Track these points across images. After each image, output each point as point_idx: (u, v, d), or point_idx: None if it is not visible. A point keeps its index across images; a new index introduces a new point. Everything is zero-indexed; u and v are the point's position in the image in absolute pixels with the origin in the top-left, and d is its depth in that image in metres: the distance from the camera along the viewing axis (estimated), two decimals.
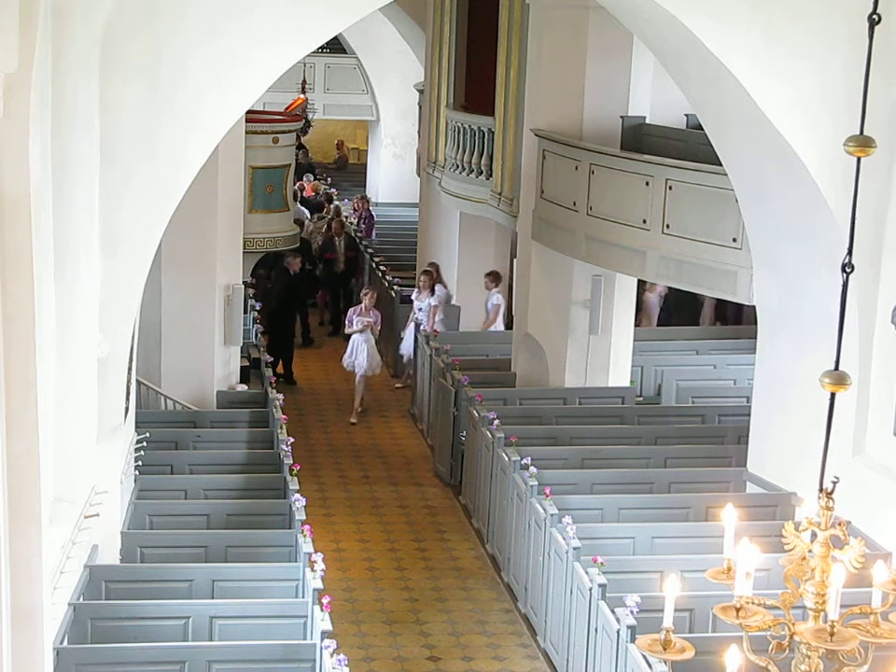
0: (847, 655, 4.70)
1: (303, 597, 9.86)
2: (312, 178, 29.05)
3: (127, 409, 10.93)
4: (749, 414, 12.74)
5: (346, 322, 18.78)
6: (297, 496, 11.41)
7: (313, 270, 22.93)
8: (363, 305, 18.46)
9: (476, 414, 14.17)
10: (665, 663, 4.69)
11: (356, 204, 26.22)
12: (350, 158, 36.96)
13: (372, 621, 12.00)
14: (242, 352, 16.45)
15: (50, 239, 8.55)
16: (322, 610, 9.23)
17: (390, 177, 29.84)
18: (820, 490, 4.82)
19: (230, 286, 15.56)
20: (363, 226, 25.44)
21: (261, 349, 16.79)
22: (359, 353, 18.22)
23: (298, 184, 27.07)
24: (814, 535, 4.83)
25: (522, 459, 12.41)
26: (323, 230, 24.00)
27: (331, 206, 25.95)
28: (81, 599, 9.60)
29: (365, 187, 30.81)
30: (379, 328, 18.65)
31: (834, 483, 4.83)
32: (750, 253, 12.20)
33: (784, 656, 4.83)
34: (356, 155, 36.52)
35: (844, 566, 4.70)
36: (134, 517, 11.36)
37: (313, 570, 9.84)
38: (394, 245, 24.89)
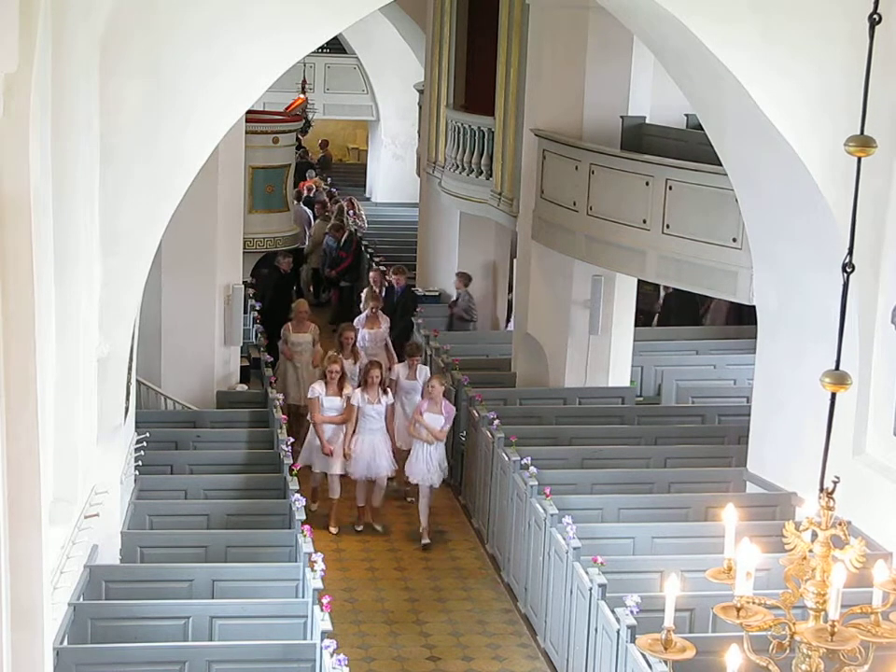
0: (847, 655, 4.70)
1: (303, 597, 9.85)
2: (313, 175, 29.08)
3: (127, 409, 10.92)
4: (749, 414, 12.74)
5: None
6: (297, 496, 11.41)
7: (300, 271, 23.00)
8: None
9: (476, 414, 14.16)
10: (666, 663, 4.69)
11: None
12: (350, 158, 36.96)
13: (372, 621, 11.99)
14: (242, 352, 16.44)
15: (50, 239, 8.55)
16: (322, 610, 9.23)
17: (390, 177, 29.85)
18: (821, 490, 4.82)
19: (230, 286, 15.55)
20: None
21: (261, 349, 16.78)
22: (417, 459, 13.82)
23: (301, 184, 27.06)
24: (814, 535, 4.83)
25: (522, 459, 12.40)
26: (330, 230, 23.94)
27: (334, 206, 25.90)
28: (81, 599, 9.60)
29: (365, 187, 30.83)
30: (449, 426, 13.97)
31: (835, 482, 4.83)
32: (750, 253, 12.20)
33: (785, 656, 4.83)
34: (356, 155, 36.52)
35: (844, 565, 4.70)
36: (134, 517, 11.36)
37: (313, 570, 9.84)
38: (394, 245, 24.88)
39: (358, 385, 14.01)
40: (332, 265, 22.99)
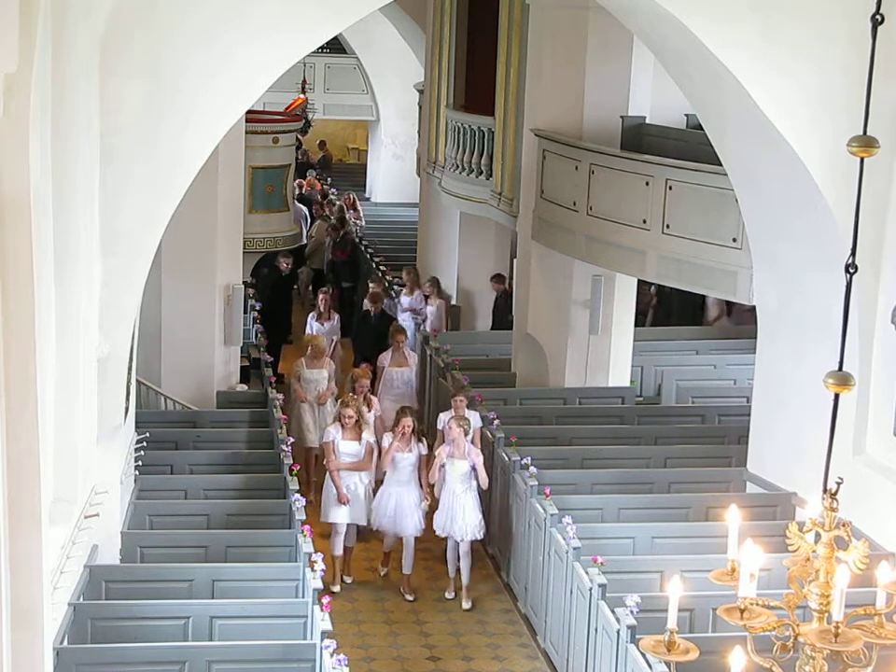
0: (851, 656, 4.69)
1: (303, 597, 9.85)
2: (314, 175, 29.07)
3: (127, 409, 10.92)
4: (749, 414, 12.74)
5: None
6: (297, 496, 11.41)
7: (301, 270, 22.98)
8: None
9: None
10: (669, 665, 4.68)
11: None
12: (350, 158, 36.97)
13: (372, 621, 11.98)
14: (242, 352, 16.42)
15: (50, 239, 8.55)
16: (322, 610, 9.22)
17: (390, 177, 29.84)
18: (824, 491, 4.81)
19: (230, 286, 15.54)
20: None
21: (261, 349, 16.75)
22: (454, 508, 12.26)
23: (297, 181, 27.04)
24: (818, 536, 4.82)
25: (522, 459, 12.40)
26: (328, 229, 23.94)
27: (331, 207, 25.91)
28: (81, 599, 9.60)
29: (365, 187, 30.84)
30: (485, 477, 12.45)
31: (838, 483, 4.82)
32: (750, 253, 12.20)
33: (788, 657, 4.82)
34: (356, 155, 36.53)
35: (848, 566, 4.69)
36: (134, 517, 11.35)
37: (313, 570, 9.84)
38: (394, 245, 24.89)
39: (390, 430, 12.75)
40: (331, 265, 22.99)
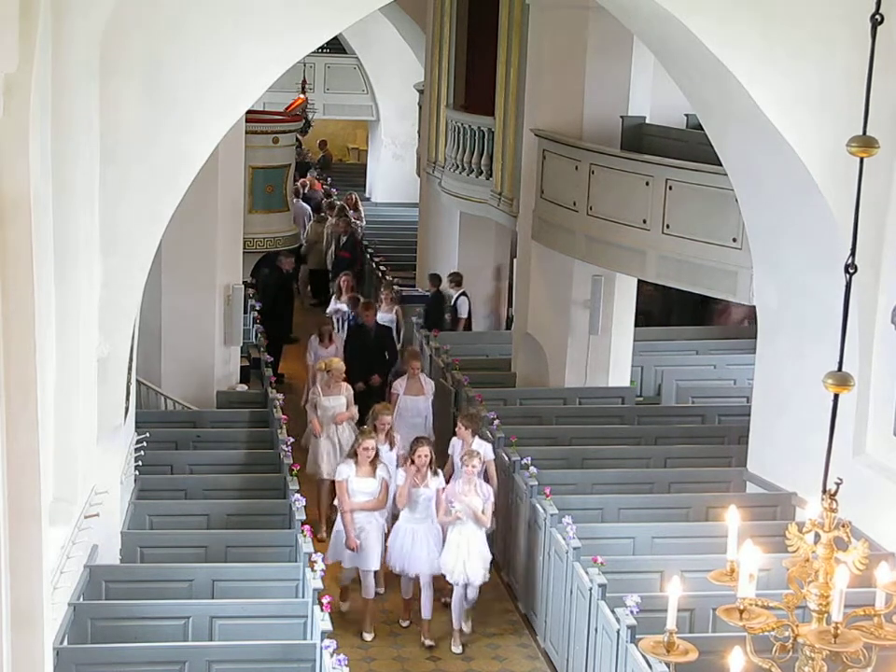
0: (850, 657, 4.69)
1: (303, 597, 9.85)
2: (314, 174, 29.08)
3: (127, 409, 10.91)
4: (749, 414, 12.74)
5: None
6: (297, 496, 11.41)
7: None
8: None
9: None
10: (669, 665, 4.68)
11: None
12: (350, 158, 36.98)
13: (373, 621, 11.97)
14: (242, 352, 16.42)
15: (50, 239, 8.55)
16: (322, 610, 9.22)
17: (390, 177, 29.85)
18: (824, 491, 4.81)
19: (230, 286, 15.54)
20: None
21: (261, 349, 16.74)
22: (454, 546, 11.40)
23: (301, 181, 27.04)
24: (817, 536, 4.82)
25: (522, 459, 12.40)
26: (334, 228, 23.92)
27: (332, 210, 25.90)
28: (81, 599, 9.59)
29: (365, 187, 30.85)
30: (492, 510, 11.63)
31: (838, 484, 4.82)
32: (750, 253, 12.20)
33: (787, 658, 4.82)
34: (356, 155, 36.54)
35: (847, 567, 4.69)
36: (134, 517, 11.35)
37: (313, 570, 9.85)
38: (394, 245, 24.89)
39: (400, 465, 12.07)
40: (335, 266, 22.95)
